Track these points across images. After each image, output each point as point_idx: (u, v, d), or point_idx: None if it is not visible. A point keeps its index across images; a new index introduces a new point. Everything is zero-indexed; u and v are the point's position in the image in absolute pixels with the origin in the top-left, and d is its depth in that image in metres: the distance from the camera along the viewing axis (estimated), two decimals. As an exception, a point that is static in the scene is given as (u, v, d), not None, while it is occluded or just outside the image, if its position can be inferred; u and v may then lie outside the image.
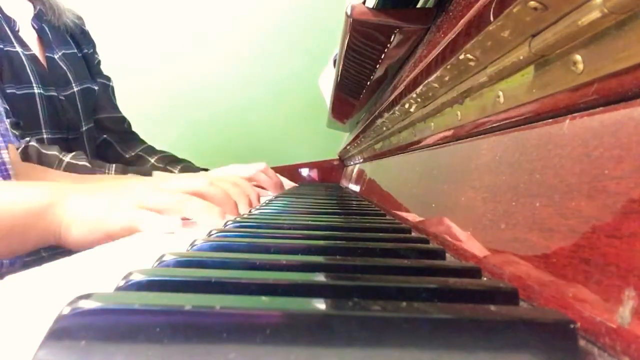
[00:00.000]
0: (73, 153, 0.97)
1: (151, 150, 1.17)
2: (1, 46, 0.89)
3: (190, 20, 1.72)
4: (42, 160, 0.91)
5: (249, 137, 1.68)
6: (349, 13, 0.44)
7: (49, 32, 1.01)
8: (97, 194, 0.51)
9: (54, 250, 0.88)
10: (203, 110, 1.71)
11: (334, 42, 0.88)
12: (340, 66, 0.61)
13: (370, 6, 0.44)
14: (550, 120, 0.23)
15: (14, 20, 0.93)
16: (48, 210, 0.49)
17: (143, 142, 1.20)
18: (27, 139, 0.92)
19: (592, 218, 0.17)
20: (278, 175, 1.05)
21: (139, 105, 1.44)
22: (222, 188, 0.54)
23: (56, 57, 1.00)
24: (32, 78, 0.93)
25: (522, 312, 0.15)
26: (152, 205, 0.48)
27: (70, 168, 0.92)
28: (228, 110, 1.72)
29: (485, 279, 0.24)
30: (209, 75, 1.72)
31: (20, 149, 0.88)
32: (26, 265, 0.69)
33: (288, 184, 1.28)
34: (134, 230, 0.45)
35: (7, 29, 0.91)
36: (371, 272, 0.23)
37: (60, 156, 0.93)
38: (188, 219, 0.53)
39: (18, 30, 0.94)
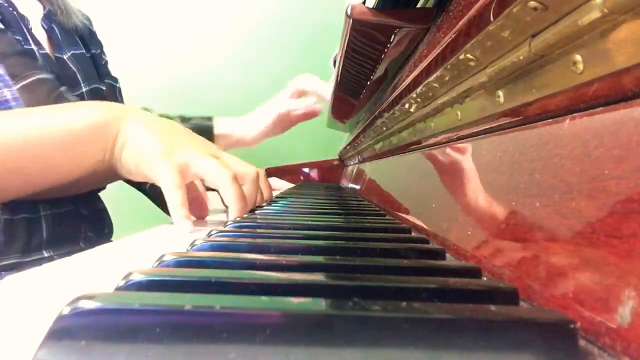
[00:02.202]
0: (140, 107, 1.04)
1: None
2: (22, 43, 0.90)
3: (191, 20, 1.72)
4: None
5: (249, 137, 1.68)
6: (349, 13, 0.44)
7: (58, 33, 1.01)
8: (156, 127, 0.51)
9: (54, 250, 0.88)
10: (203, 110, 1.71)
11: (335, 42, 0.88)
12: (340, 66, 0.61)
13: (370, 6, 0.44)
14: (550, 120, 0.23)
15: (27, 19, 0.93)
16: (109, 125, 0.50)
17: None
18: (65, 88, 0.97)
19: (592, 218, 0.17)
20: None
21: (140, 105, 1.44)
22: (257, 186, 0.54)
23: (65, 57, 1.00)
24: None
25: (522, 312, 0.15)
26: (198, 170, 0.48)
27: None
28: (228, 110, 1.71)
29: (485, 279, 0.24)
30: (209, 75, 1.72)
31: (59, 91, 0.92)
32: (26, 265, 0.70)
33: (287, 185, 1.28)
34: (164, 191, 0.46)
35: (23, 26, 0.92)
36: (371, 272, 0.23)
37: None
38: (197, 218, 0.54)
39: (31, 29, 0.94)
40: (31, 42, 0.93)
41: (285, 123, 1.19)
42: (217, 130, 1.11)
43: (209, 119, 1.12)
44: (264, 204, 0.60)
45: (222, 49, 1.72)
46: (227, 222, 0.40)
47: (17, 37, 0.89)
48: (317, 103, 1.19)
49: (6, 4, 0.88)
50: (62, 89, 0.93)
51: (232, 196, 0.48)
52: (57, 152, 0.48)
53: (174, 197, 0.45)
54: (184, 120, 1.08)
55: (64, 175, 0.51)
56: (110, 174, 0.53)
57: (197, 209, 0.55)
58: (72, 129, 0.49)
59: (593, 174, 0.18)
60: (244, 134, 1.15)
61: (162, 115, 1.07)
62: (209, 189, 0.60)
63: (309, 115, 1.22)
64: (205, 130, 1.10)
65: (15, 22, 0.90)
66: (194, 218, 0.51)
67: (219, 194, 0.50)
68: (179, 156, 0.48)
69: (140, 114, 0.53)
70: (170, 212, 0.45)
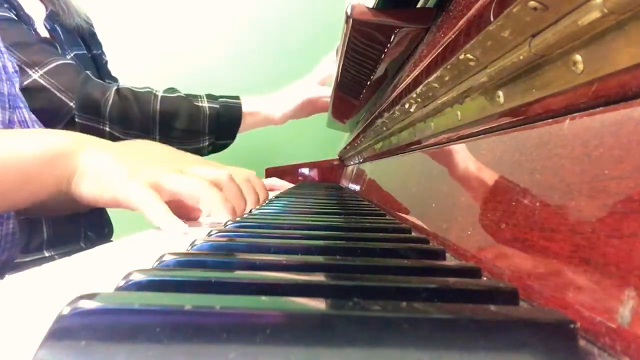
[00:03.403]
0: (165, 88, 1.05)
1: None
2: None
3: (190, 20, 1.72)
4: (138, 98, 0.99)
5: (249, 137, 1.68)
6: (349, 13, 0.44)
7: (61, 33, 1.01)
8: (117, 154, 0.49)
9: (55, 250, 0.88)
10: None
11: (335, 42, 0.88)
12: (340, 66, 0.61)
13: (370, 6, 0.44)
14: (550, 120, 0.23)
15: (32, 20, 0.94)
16: (65, 156, 0.48)
17: None
18: (117, 83, 0.98)
19: (592, 218, 0.17)
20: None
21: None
22: (238, 184, 0.53)
23: (68, 57, 1.01)
24: None
25: (522, 312, 0.15)
26: (170, 187, 0.47)
27: (165, 101, 1.01)
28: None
29: (485, 279, 0.24)
30: (209, 75, 1.72)
31: (113, 90, 0.95)
32: (26, 265, 0.70)
33: (287, 185, 1.28)
34: (141, 212, 0.45)
35: (30, 25, 0.92)
36: (371, 272, 0.23)
37: (154, 92, 1.03)
38: (189, 220, 0.53)
39: (36, 29, 0.94)
40: None
41: (311, 108, 1.17)
42: (245, 108, 1.11)
43: (237, 97, 1.12)
44: (264, 204, 0.60)
45: (222, 49, 1.72)
46: (226, 222, 0.40)
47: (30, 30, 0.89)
48: None
49: (15, 3, 0.89)
50: (87, 71, 0.94)
51: (215, 203, 0.46)
52: (8, 178, 0.47)
53: (155, 209, 0.44)
54: (211, 98, 1.08)
55: (17, 203, 0.50)
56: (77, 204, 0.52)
57: (187, 211, 0.54)
58: (26, 157, 0.47)
59: (593, 174, 0.18)
60: (272, 112, 1.14)
61: (188, 96, 1.08)
62: None
63: None
64: (233, 108, 1.10)
65: (26, 20, 0.91)
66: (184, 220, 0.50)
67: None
68: (146, 176, 0.47)
69: (99, 141, 0.52)
70: (158, 224, 0.43)
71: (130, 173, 0.47)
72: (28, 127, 0.66)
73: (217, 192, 0.47)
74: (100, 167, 0.48)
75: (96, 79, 0.97)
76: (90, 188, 0.48)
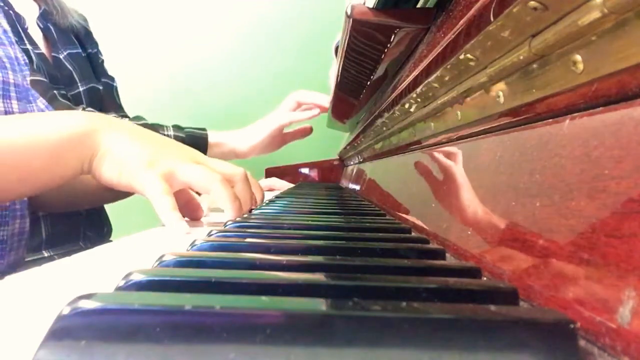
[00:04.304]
0: (132, 117, 1.04)
1: None
2: (18, 42, 0.90)
3: (189, 20, 1.72)
4: None
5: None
6: (349, 13, 0.44)
7: (54, 32, 1.01)
8: (137, 138, 0.50)
9: (54, 250, 0.88)
10: (203, 110, 1.71)
11: (334, 41, 0.88)
12: (340, 66, 0.61)
13: (370, 6, 0.44)
14: (550, 120, 0.23)
15: (23, 18, 0.93)
16: (88, 136, 0.49)
17: None
18: (82, 106, 0.98)
19: (592, 218, 0.17)
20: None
21: (140, 104, 1.44)
22: (250, 184, 0.54)
23: (61, 56, 1.01)
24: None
25: (522, 312, 0.15)
26: (183, 177, 0.48)
27: None
28: (228, 110, 1.72)
29: (485, 279, 0.24)
30: (209, 75, 1.72)
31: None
32: (26, 265, 0.70)
33: (287, 185, 1.28)
34: (151, 202, 0.46)
35: (18, 26, 0.92)
36: (371, 272, 0.23)
37: (120, 118, 1.00)
38: (191, 220, 0.53)
39: (27, 29, 0.94)
40: (26, 41, 0.93)
41: (281, 140, 1.19)
42: (210, 139, 1.12)
43: (203, 129, 1.13)
44: (263, 204, 0.60)
45: (221, 48, 1.72)
46: (227, 222, 0.40)
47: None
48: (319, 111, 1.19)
49: (2, 3, 0.88)
50: (55, 91, 0.94)
51: (225, 198, 0.47)
52: (35, 160, 0.47)
53: (163, 203, 0.44)
54: (178, 128, 1.09)
55: (43, 184, 0.50)
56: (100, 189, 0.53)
57: (191, 210, 0.54)
58: (50, 139, 0.48)
59: (593, 174, 0.18)
60: (238, 145, 1.15)
61: (154, 125, 1.07)
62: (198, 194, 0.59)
63: (303, 132, 1.22)
64: (198, 138, 1.10)
65: (11, 22, 0.90)
66: (187, 219, 0.51)
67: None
68: (163, 165, 0.47)
69: (121, 124, 0.52)
70: (162, 219, 0.44)
71: (148, 161, 0.47)
72: None
73: (228, 187, 0.48)
74: (121, 151, 0.49)
75: (63, 100, 0.96)
76: (109, 170, 0.49)
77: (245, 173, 0.53)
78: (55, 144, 0.48)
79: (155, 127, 1.05)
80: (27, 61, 0.67)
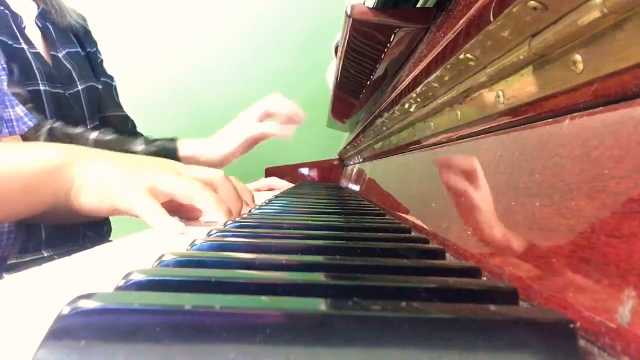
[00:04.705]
0: (100, 130, 1.01)
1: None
2: (10, 43, 0.90)
3: (191, 18, 1.72)
4: (70, 140, 0.94)
5: (249, 137, 1.68)
6: (349, 13, 0.44)
7: (53, 31, 1.01)
8: (112, 163, 0.50)
9: (54, 250, 0.88)
10: (203, 110, 1.71)
11: (333, 41, 0.88)
12: (340, 66, 0.61)
13: (370, 6, 0.44)
14: (550, 120, 0.23)
15: (20, 18, 0.93)
16: (62, 170, 0.49)
17: None
18: (52, 121, 0.96)
19: (592, 218, 0.17)
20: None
21: (139, 104, 1.44)
22: (234, 185, 0.54)
23: (60, 55, 1.00)
24: (38, 75, 0.93)
25: (522, 312, 0.15)
26: (165, 189, 0.48)
27: (98, 145, 0.95)
28: (228, 110, 1.71)
29: (485, 279, 0.24)
30: (209, 75, 1.72)
31: (44, 129, 0.91)
32: (25, 265, 0.70)
33: (287, 185, 1.28)
34: (141, 218, 0.46)
35: (14, 26, 0.92)
36: (371, 272, 0.23)
37: (87, 135, 0.97)
38: (190, 220, 0.53)
39: (24, 28, 0.94)
40: (22, 41, 0.93)
41: (254, 142, 1.15)
42: (182, 153, 1.10)
43: (173, 140, 1.11)
44: (263, 204, 0.60)
45: (221, 48, 1.72)
46: (226, 222, 0.40)
47: (2, 39, 0.88)
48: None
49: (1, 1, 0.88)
50: (57, 124, 0.93)
51: (210, 204, 0.47)
52: (8, 192, 0.48)
53: (151, 211, 0.45)
54: (148, 142, 1.07)
55: (18, 214, 0.51)
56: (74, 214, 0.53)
57: (187, 211, 0.54)
58: (24, 171, 0.48)
59: (593, 174, 0.18)
60: (211, 155, 1.13)
61: (122, 140, 1.03)
62: None
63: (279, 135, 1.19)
64: (170, 151, 1.08)
65: (6, 21, 0.90)
66: (184, 220, 0.50)
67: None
68: (143, 181, 0.48)
69: (97, 153, 0.53)
70: (155, 226, 0.44)
71: (129, 180, 0.48)
72: (17, 125, 0.67)
73: (211, 193, 0.48)
74: (98, 178, 0.49)
75: (63, 131, 0.96)
76: (89, 199, 0.49)
77: (224, 176, 0.53)
78: (30, 177, 0.48)
79: (124, 142, 1.02)
80: (5, 67, 0.67)
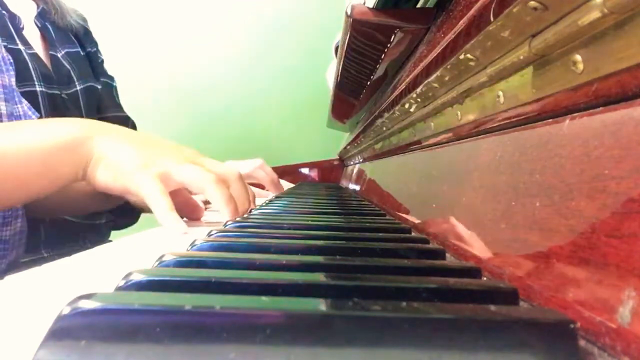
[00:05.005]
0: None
1: None
2: (5, 44, 0.89)
3: (192, 18, 1.72)
4: None
5: (249, 138, 1.68)
6: (349, 13, 0.44)
7: (52, 31, 1.01)
8: (130, 141, 0.50)
9: (54, 250, 0.88)
10: (203, 110, 1.72)
11: (333, 41, 0.88)
12: (340, 66, 0.61)
13: (370, 6, 0.44)
14: (550, 120, 0.23)
15: (18, 18, 0.93)
16: (80, 144, 0.49)
17: None
18: None
19: (592, 218, 0.17)
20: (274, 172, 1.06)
21: (139, 104, 1.44)
22: (246, 185, 0.54)
23: (59, 55, 1.00)
24: (34, 76, 0.93)
25: (522, 312, 0.15)
26: (178, 178, 0.48)
27: None
28: (228, 110, 1.72)
29: (485, 279, 0.24)
30: (209, 75, 1.72)
31: None
32: (25, 265, 0.70)
33: (287, 185, 1.28)
34: (147, 203, 0.46)
35: (10, 26, 0.92)
36: (371, 272, 0.23)
37: None
38: (191, 220, 0.53)
39: (22, 28, 0.94)
40: (18, 41, 0.93)
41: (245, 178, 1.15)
42: None
43: None
44: (263, 204, 0.60)
45: (221, 48, 1.72)
46: (226, 222, 0.40)
47: None
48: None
49: None
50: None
51: (220, 199, 0.47)
52: (29, 169, 0.48)
53: (160, 204, 0.45)
54: None
55: (37, 192, 0.51)
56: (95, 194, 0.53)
57: (190, 211, 0.54)
58: (44, 147, 0.48)
59: (593, 174, 0.18)
60: None
61: None
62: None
63: None
64: None
65: (2, 22, 0.90)
66: (185, 220, 0.50)
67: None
68: (158, 166, 0.48)
69: (115, 129, 0.52)
70: (159, 220, 0.44)
71: (143, 163, 0.48)
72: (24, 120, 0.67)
73: (223, 188, 0.48)
74: (115, 155, 0.49)
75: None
76: (104, 175, 0.49)
77: (239, 174, 0.53)
78: (49, 153, 0.48)
79: None
80: (12, 62, 0.67)
